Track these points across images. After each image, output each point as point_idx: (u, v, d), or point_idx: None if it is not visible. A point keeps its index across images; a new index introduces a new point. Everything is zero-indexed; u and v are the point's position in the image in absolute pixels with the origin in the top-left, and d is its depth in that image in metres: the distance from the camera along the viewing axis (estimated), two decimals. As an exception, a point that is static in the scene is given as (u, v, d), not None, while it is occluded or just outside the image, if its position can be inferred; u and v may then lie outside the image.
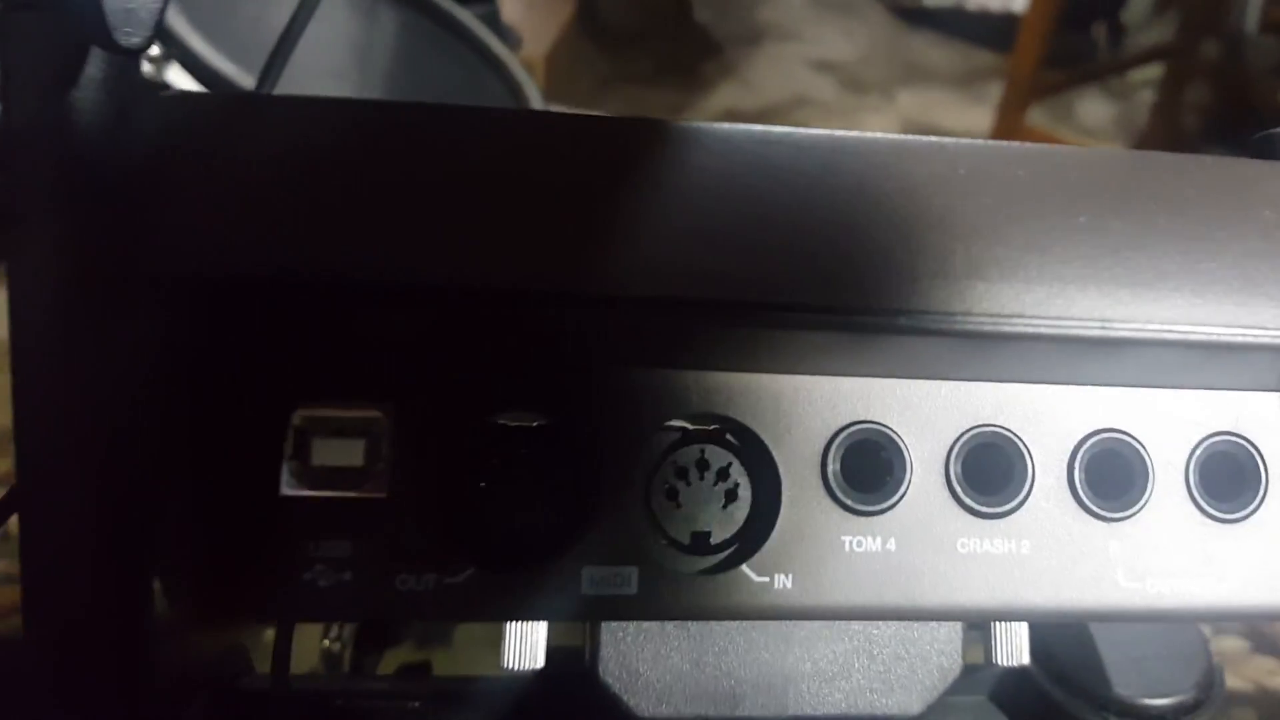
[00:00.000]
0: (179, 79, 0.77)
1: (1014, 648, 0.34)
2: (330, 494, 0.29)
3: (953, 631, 0.36)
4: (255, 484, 0.28)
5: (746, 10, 3.73)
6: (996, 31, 3.37)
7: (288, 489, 0.28)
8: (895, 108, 3.31)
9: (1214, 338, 0.26)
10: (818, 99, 3.29)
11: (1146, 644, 0.49)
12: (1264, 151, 0.33)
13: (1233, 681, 1.45)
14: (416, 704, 0.48)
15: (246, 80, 0.72)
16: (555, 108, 1.45)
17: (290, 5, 0.64)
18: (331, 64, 0.93)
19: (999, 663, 0.34)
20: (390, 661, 0.77)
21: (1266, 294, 0.26)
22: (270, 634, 0.42)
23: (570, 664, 0.45)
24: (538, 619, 0.30)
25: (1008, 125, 2.81)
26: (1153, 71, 3.17)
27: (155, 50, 0.76)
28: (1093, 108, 3.26)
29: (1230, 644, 1.54)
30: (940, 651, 0.36)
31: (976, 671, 0.51)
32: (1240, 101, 3.00)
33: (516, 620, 0.30)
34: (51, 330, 0.33)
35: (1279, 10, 2.93)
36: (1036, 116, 2.94)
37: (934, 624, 0.36)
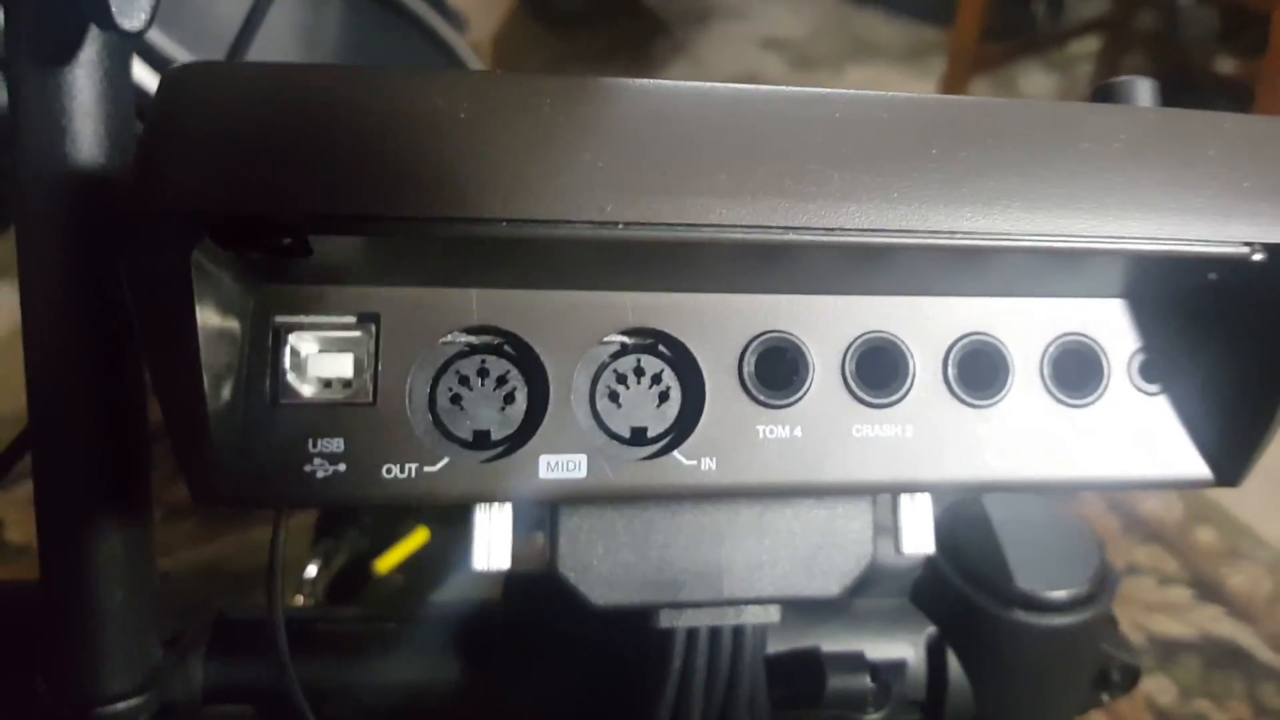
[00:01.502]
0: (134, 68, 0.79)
1: (920, 535, 0.39)
2: (325, 399, 0.34)
3: (864, 524, 0.41)
4: (263, 393, 0.33)
5: (694, -12, 3.73)
6: (941, 6, 3.38)
7: (290, 397, 0.33)
8: (844, 83, 3.30)
9: (1041, 244, 0.31)
10: (768, 76, 3.30)
11: (1047, 544, 0.53)
12: (1104, 99, 0.39)
13: (1178, 629, 1.51)
14: (392, 625, 0.52)
15: None
16: None
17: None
18: (279, 49, 0.94)
19: (905, 550, 0.39)
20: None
21: (1084, 209, 0.31)
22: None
23: (531, 583, 0.50)
24: (504, 500, 0.34)
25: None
26: (1091, 43, 3.21)
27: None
28: (1034, 79, 3.30)
29: (1177, 594, 1.60)
30: (854, 541, 0.41)
31: (897, 577, 0.56)
32: (1177, 70, 3.05)
33: (485, 501, 0.35)
34: (59, 271, 0.37)
35: (1214, -20, 2.97)
36: (980, 88, 2.98)
37: (847, 517, 0.40)
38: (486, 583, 0.50)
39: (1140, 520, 1.72)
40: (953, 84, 2.86)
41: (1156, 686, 1.43)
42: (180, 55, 0.78)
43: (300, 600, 0.89)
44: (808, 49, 3.48)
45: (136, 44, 0.78)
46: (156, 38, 0.78)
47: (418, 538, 0.94)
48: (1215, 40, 3.04)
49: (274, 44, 0.94)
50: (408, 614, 0.54)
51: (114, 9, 0.33)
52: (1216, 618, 1.57)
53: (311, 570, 0.91)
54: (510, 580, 0.52)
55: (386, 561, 0.92)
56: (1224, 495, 1.76)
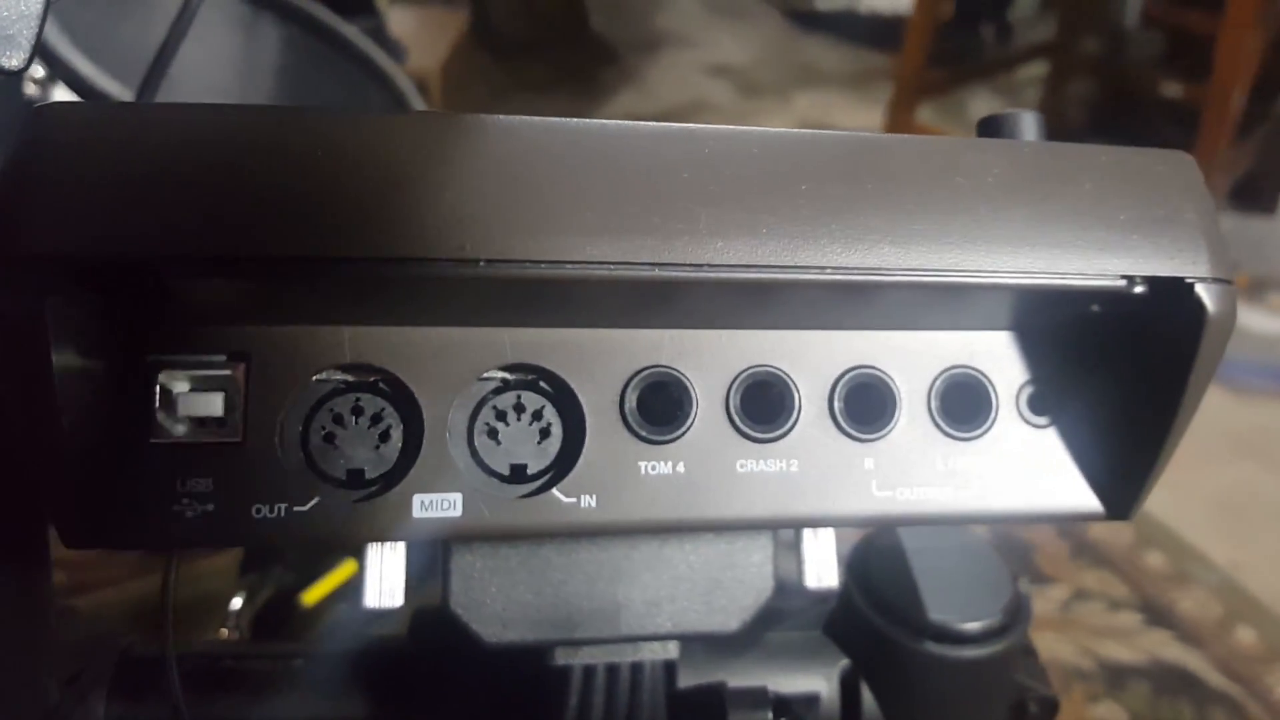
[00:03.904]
0: (64, 98, 0.79)
1: (824, 570, 0.38)
2: (193, 439, 0.33)
3: (764, 557, 0.41)
4: (132, 433, 0.32)
5: (642, 17, 3.76)
6: (887, 33, 3.43)
7: (159, 436, 0.33)
8: (792, 109, 3.35)
9: (911, 280, 0.31)
10: (715, 103, 3.33)
11: (960, 574, 0.53)
12: (988, 133, 0.39)
13: (1127, 654, 1.52)
14: (299, 661, 0.52)
15: (129, 97, 0.74)
16: None
17: (169, 24, 0.66)
18: (213, 81, 0.94)
19: (809, 584, 0.38)
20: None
21: (955, 244, 0.31)
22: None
23: (434, 616, 0.49)
24: (375, 540, 0.34)
25: (897, 123, 2.87)
26: (1038, 68, 3.25)
27: (40, 72, 0.78)
28: (982, 104, 3.33)
29: (1126, 619, 1.60)
30: (754, 575, 0.40)
31: (809, 611, 0.56)
32: (1122, 93, 3.09)
33: (354, 543, 0.34)
34: None
35: (1158, 5, 3.01)
36: (928, 115, 3.01)
37: (747, 551, 0.40)
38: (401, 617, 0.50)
39: (1089, 544, 1.74)
40: (899, 110, 2.89)
41: (1106, 712, 1.43)
42: (110, 87, 0.78)
43: (225, 634, 0.88)
44: (755, 76, 3.51)
45: (63, 76, 0.78)
46: (87, 69, 0.78)
47: (345, 569, 0.93)
48: (1160, 64, 3.08)
49: (206, 74, 0.94)
50: (316, 649, 0.53)
51: None
52: (1166, 642, 1.58)
53: (237, 603, 0.90)
54: (416, 615, 0.51)
55: (313, 594, 0.91)
56: (1173, 519, 1.78)
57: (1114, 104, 3.07)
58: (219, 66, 0.97)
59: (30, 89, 0.80)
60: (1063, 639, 1.54)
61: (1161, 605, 1.64)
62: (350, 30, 1.09)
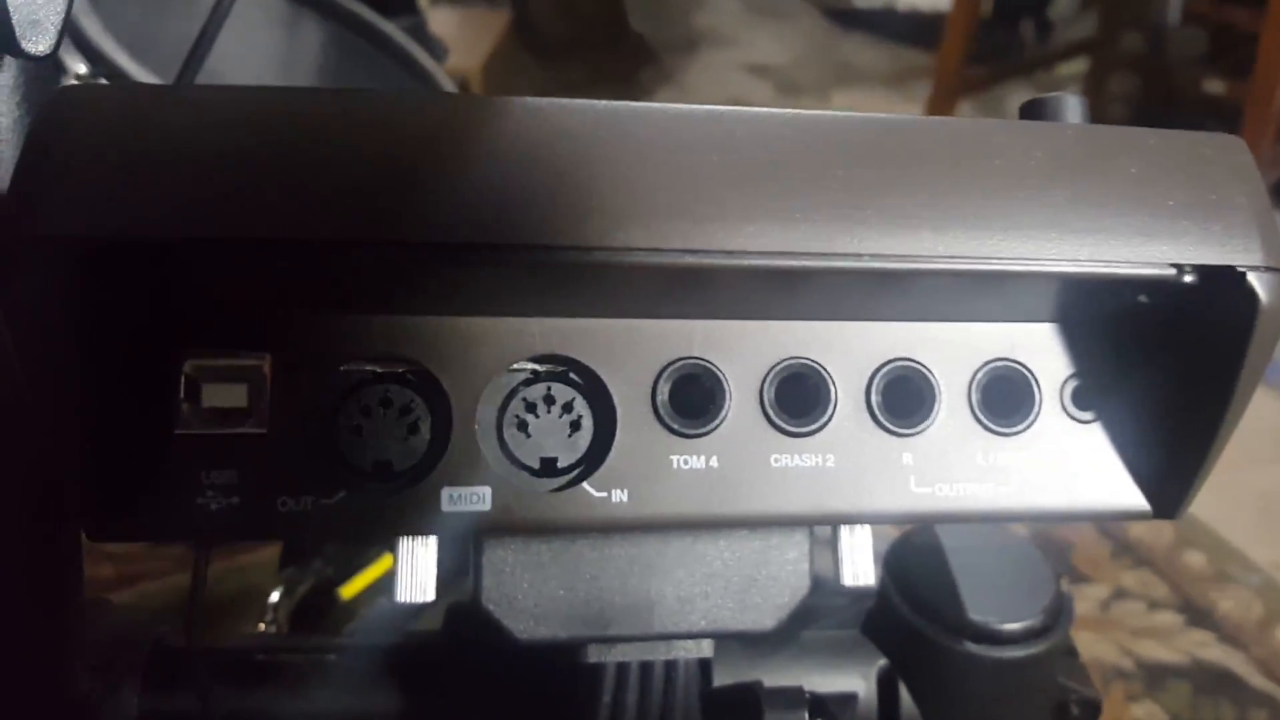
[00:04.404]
0: None
1: (860, 568, 0.37)
2: (218, 431, 0.32)
3: (800, 554, 0.40)
4: (155, 424, 0.32)
5: (681, 17, 3.75)
6: (927, 30, 3.41)
7: (181, 428, 0.32)
8: (830, 108, 3.33)
9: (950, 267, 0.30)
10: (754, 102, 3.29)
11: (1001, 574, 0.52)
12: (1030, 117, 0.38)
13: (1167, 654, 1.50)
14: (331, 657, 0.51)
15: None
16: None
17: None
18: (254, 77, 0.95)
19: (846, 583, 0.37)
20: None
21: (996, 229, 0.30)
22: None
23: (467, 610, 0.49)
24: (403, 534, 0.33)
25: (937, 121, 2.85)
26: (1078, 65, 3.23)
27: (83, 69, 0.79)
28: (1021, 102, 3.31)
29: (1166, 619, 1.58)
30: (790, 572, 0.39)
31: (848, 609, 0.55)
32: (1163, 91, 3.06)
33: (383, 535, 0.34)
34: None
35: (1200, 1, 2.98)
36: (966, 112, 2.98)
37: (783, 548, 0.39)
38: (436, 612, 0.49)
39: (1130, 545, 1.71)
40: (938, 107, 2.87)
41: (1145, 713, 1.41)
42: (148, 81, 0.79)
43: (263, 627, 0.89)
44: (794, 75, 3.50)
45: (105, 73, 0.79)
46: (129, 66, 0.79)
47: (383, 563, 0.93)
48: (1203, 61, 3.04)
49: (248, 71, 0.94)
50: (349, 643, 0.53)
51: (17, 33, 0.33)
52: (1206, 643, 1.54)
53: (275, 596, 0.90)
54: (450, 610, 0.51)
55: (351, 587, 0.92)
56: (1215, 519, 1.76)
57: (1155, 101, 3.04)
58: (260, 63, 0.98)
59: (71, 84, 0.80)
60: (1102, 639, 1.52)
61: (1202, 606, 1.61)
62: (391, 28, 1.10)
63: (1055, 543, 1.70)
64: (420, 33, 1.33)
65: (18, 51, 0.33)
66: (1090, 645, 1.51)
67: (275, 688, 0.50)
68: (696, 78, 3.45)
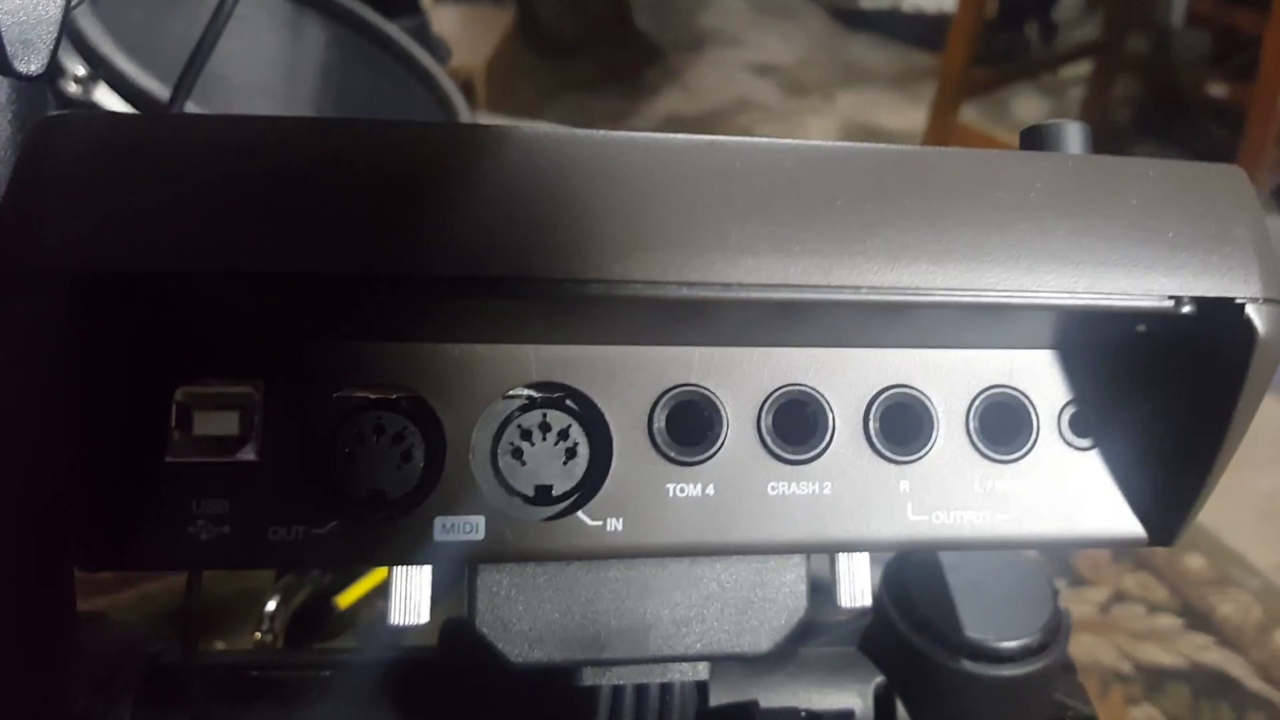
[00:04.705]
0: (106, 98, 0.79)
1: (858, 590, 0.37)
2: (209, 459, 0.32)
3: (797, 576, 0.40)
4: (146, 453, 0.32)
5: (687, 16, 3.75)
6: (932, 32, 3.41)
7: (172, 456, 0.32)
8: (835, 109, 3.34)
9: (950, 299, 0.30)
10: (759, 102, 3.32)
11: (998, 591, 0.52)
12: (1031, 145, 0.38)
13: (1166, 657, 1.50)
14: (326, 673, 0.51)
15: (168, 95, 0.74)
16: (495, 117, 1.47)
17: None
18: (257, 80, 0.95)
19: (844, 604, 0.38)
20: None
21: (996, 261, 0.30)
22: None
23: (463, 628, 0.48)
24: (395, 563, 0.33)
25: (941, 123, 2.84)
26: (1084, 67, 3.22)
27: (82, 71, 0.79)
28: (1026, 104, 3.31)
29: (1165, 622, 1.58)
30: (787, 595, 0.39)
31: (846, 625, 0.55)
32: (1168, 93, 3.06)
33: (374, 565, 0.33)
34: None
35: (1204, 3, 2.98)
36: (972, 114, 2.98)
37: (779, 570, 0.39)
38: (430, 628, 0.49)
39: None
40: (943, 109, 2.87)
41: (1144, 716, 1.42)
42: (152, 86, 0.78)
43: (259, 636, 0.89)
44: (799, 75, 3.50)
45: (105, 75, 0.78)
46: (129, 68, 0.78)
47: (380, 573, 0.93)
48: (1207, 63, 3.04)
49: (251, 73, 0.94)
50: (344, 660, 0.53)
51: (9, 52, 0.33)
52: (1205, 646, 1.55)
53: (271, 605, 0.90)
54: (446, 627, 0.51)
55: (348, 596, 0.92)
56: (1215, 523, 1.76)
57: (1160, 104, 3.04)
58: (264, 64, 0.97)
59: (72, 88, 0.80)
60: (1102, 641, 1.53)
61: (1201, 609, 1.62)
62: (393, 29, 1.10)
63: (1057, 546, 1.70)
64: (423, 33, 1.33)
65: (9, 71, 0.33)
66: (1090, 648, 1.51)
67: (271, 704, 0.50)
68: (702, 77, 3.44)
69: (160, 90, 0.78)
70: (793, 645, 0.42)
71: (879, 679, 0.52)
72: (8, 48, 0.33)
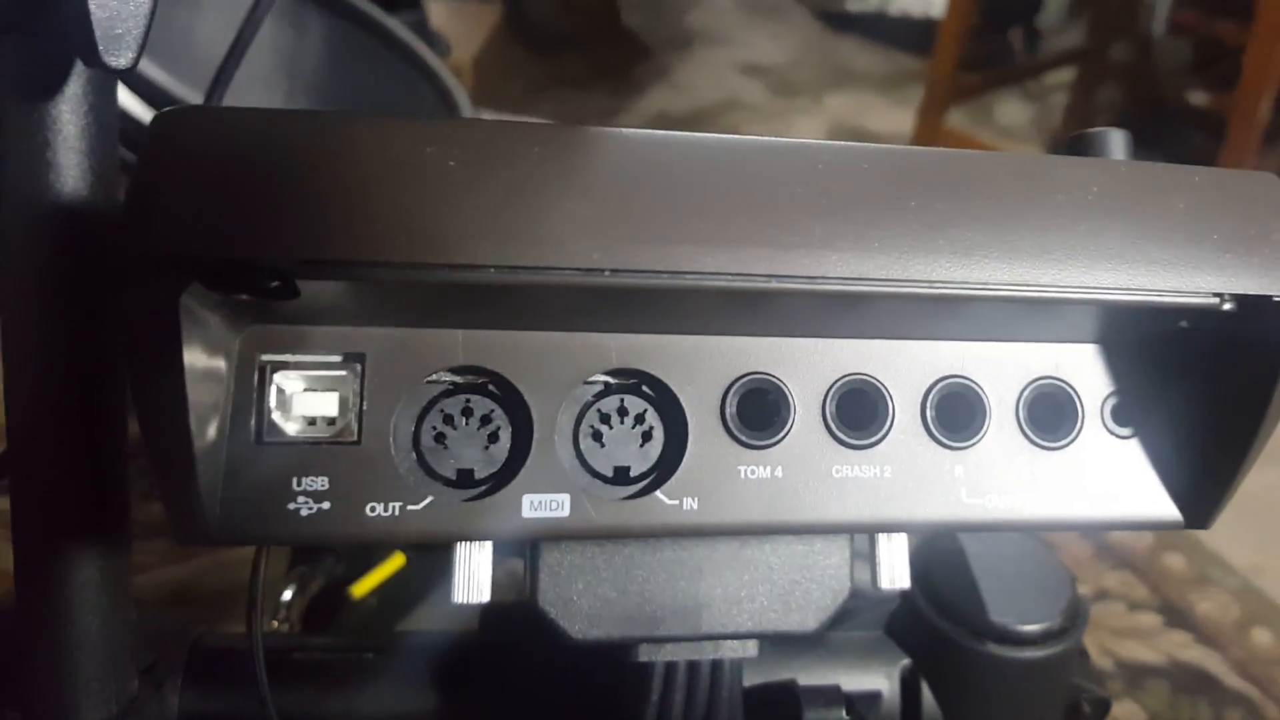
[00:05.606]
0: (121, 98, 0.79)
1: (897, 573, 0.39)
2: (309, 439, 0.34)
3: (841, 559, 0.41)
4: (248, 432, 0.34)
5: (676, 14, 3.75)
6: (918, 35, 3.41)
7: (274, 436, 0.34)
8: (824, 110, 3.34)
9: (1015, 294, 0.32)
10: (748, 102, 3.32)
11: (1021, 577, 0.54)
12: (1077, 150, 0.40)
13: (1146, 655, 1.52)
14: (371, 655, 0.53)
15: (179, 90, 0.74)
16: (483, 112, 1.46)
17: (217, 15, 0.65)
18: (262, 72, 0.94)
19: (882, 586, 0.39)
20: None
21: (1057, 259, 0.32)
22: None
23: (508, 613, 0.50)
24: (486, 538, 0.35)
25: (928, 127, 2.86)
26: (1067, 74, 3.24)
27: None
28: (1010, 109, 3.33)
29: (1146, 620, 1.61)
30: (832, 576, 0.41)
31: (874, 609, 0.57)
32: (1150, 100, 3.08)
33: (468, 540, 0.35)
34: (39, 300, 0.37)
35: (1186, 13, 3.00)
36: (957, 118, 2.99)
37: (824, 552, 0.41)
38: (465, 611, 0.50)
39: (1110, 547, 1.74)
40: (930, 113, 2.88)
41: (1125, 712, 1.43)
42: (165, 81, 0.78)
43: (275, 625, 0.89)
44: (788, 76, 3.50)
45: (121, 75, 0.78)
46: (142, 65, 0.78)
47: (394, 563, 0.94)
48: (1188, 72, 3.06)
49: (256, 67, 0.94)
50: (386, 643, 0.54)
51: (101, 47, 0.33)
52: (1184, 643, 1.57)
53: (287, 595, 0.91)
54: (487, 610, 0.52)
55: (362, 586, 0.92)
56: (1193, 524, 1.77)
57: (1142, 111, 3.06)
58: (266, 59, 0.97)
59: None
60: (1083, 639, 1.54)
61: (1181, 607, 1.64)
62: (395, 24, 1.09)
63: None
64: (423, 28, 1.33)
65: (98, 64, 0.34)
66: (1072, 645, 1.52)
67: (316, 687, 0.51)
68: (690, 75, 3.44)
69: (167, 81, 0.77)
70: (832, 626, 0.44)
71: (905, 661, 0.54)
72: (99, 41, 0.33)
